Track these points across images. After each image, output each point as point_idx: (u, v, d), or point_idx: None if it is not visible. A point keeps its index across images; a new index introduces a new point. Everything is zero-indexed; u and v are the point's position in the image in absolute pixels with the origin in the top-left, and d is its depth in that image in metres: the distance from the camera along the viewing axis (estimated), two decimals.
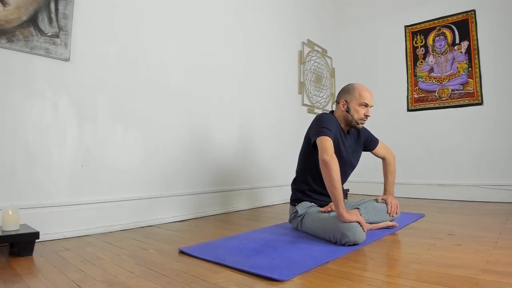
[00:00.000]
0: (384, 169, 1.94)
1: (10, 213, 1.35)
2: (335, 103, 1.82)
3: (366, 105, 1.70)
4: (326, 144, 1.51)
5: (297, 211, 1.73)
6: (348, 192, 3.23)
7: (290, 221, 1.83)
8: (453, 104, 3.30)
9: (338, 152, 1.65)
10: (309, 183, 1.74)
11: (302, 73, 3.50)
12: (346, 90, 1.75)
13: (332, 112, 1.83)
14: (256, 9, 2.98)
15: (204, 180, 2.39)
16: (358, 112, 1.70)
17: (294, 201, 1.79)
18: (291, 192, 1.84)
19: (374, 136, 1.94)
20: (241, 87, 2.76)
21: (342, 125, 1.77)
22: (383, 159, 1.95)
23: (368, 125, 3.88)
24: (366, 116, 1.72)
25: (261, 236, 1.63)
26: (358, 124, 1.73)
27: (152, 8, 2.11)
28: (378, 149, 1.93)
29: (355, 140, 1.84)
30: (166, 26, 2.20)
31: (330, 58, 4.04)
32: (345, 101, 1.73)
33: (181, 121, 2.25)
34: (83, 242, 1.55)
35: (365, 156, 1.96)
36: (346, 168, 1.77)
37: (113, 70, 1.90)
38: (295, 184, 1.83)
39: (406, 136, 3.53)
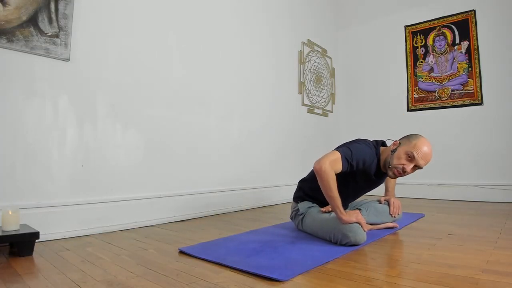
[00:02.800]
0: None
1: (10, 213, 1.35)
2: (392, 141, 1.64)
3: (411, 159, 1.48)
4: (329, 156, 1.43)
5: (298, 209, 1.74)
6: None
7: (291, 218, 1.83)
8: (453, 104, 3.30)
9: (359, 180, 1.61)
10: (314, 189, 1.65)
11: (302, 73, 3.49)
12: (408, 136, 1.58)
13: (382, 144, 1.66)
14: (256, 9, 2.98)
15: (204, 180, 2.39)
16: (399, 159, 1.49)
17: (298, 198, 1.78)
18: (296, 188, 1.83)
19: None
20: (241, 87, 2.76)
21: (381, 166, 1.60)
22: None
23: (368, 125, 3.84)
24: (404, 171, 1.49)
25: (261, 236, 1.63)
26: (389, 171, 1.53)
27: (152, 8, 2.11)
28: None
29: (384, 177, 1.72)
30: (166, 26, 2.20)
31: (330, 58, 4.04)
32: (399, 142, 1.57)
33: (181, 121, 2.25)
34: (83, 242, 1.55)
35: None
36: (361, 192, 1.76)
37: (113, 70, 1.90)
38: (302, 183, 1.81)
39: None
